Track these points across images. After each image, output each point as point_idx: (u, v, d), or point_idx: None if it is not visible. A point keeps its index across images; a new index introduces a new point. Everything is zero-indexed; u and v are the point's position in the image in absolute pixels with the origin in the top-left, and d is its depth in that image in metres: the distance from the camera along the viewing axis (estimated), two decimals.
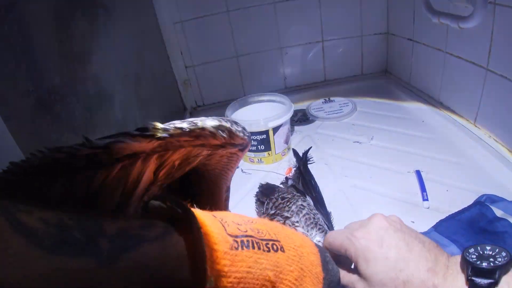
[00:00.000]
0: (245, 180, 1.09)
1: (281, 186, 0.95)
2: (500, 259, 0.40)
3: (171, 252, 0.27)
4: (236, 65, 1.55)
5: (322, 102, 1.48)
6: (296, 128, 1.35)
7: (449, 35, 1.16)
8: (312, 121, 1.38)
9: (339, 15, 1.52)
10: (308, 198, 0.83)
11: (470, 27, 0.97)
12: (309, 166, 1.00)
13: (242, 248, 0.31)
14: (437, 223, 0.81)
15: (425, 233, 0.82)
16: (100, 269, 0.22)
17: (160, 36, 1.40)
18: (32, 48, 0.59)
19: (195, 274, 0.27)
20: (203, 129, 0.37)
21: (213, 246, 0.29)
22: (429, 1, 1.14)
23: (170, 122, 0.35)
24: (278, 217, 0.68)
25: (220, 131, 0.39)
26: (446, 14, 1.07)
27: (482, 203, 0.82)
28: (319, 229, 0.63)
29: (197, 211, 0.30)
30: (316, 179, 0.92)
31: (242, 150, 0.45)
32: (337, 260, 0.48)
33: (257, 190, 0.93)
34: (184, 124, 0.35)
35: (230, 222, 0.33)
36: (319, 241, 0.60)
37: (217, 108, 1.55)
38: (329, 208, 0.83)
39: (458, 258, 0.44)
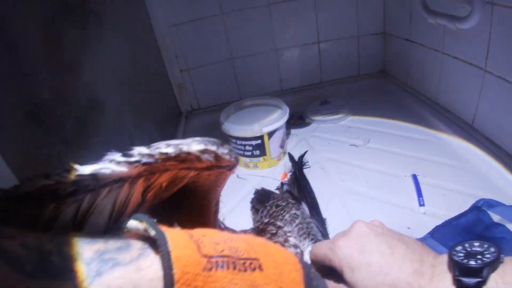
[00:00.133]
0: (241, 186, 1.09)
1: (277, 191, 0.94)
2: (488, 256, 0.39)
3: (144, 275, 0.28)
4: (232, 67, 1.54)
5: (319, 104, 1.47)
6: (292, 131, 1.34)
7: (446, 35, 1.15)
8: (308, 123, 1.37)
9: (335, 15, 1.51)
10: (303, 204, 0.82)
11: (468, 27, 0.96)
12: (304, 170, 0.99)
13: (217, 269, 0.31)
14: (433, 229, 0.80)
15: (421, 240, 0.81)
16: None
17: (154, 40, 1.39)
18: (22, 60, 0.58)
19: None
20: (188, 153, 0.37)
21: (184, 268, 0.29)
22: (425, 1, 1.13)
23: (155, 146, 0.36)
24: (271, 227, 0.67)
25: (206, 155, 0.39)
26: (443, 15, 1.06)
27: (479, 208, 0.81)
28: (312, 239, 0.62)
29: (172, 232, 0.30)
30: (311, 184, 0.91)
31: (230, 169, 0.44)
32: (327, 272, 0.48)
33: (253, 196, 0.92)
34: (169, 148, 0.36)
35: (208, 242, 0.32)
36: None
37: (213, 111, 1.53)
38: (324, 214, 0.82)
39: (445, 257, 0.42)
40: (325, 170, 1.09)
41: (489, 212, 0.79)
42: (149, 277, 0.28)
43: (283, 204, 0.76)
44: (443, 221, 0.81)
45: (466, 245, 0.42)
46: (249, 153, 1.11)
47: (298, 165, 1.00)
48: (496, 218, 0.78)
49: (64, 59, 0.71)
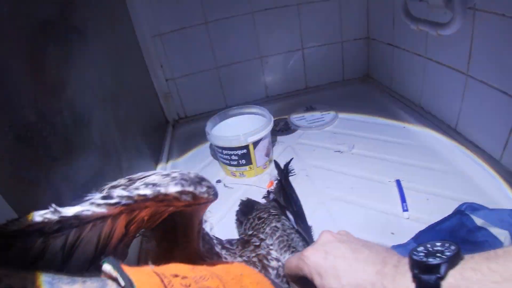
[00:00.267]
0: (228, 195, 1.09)
1: (262, 201, 0.95)
2: (448, 253, 0.40)
3: None
4: (217, 76, 1.54)
5: (304, 110, 1.47)
6: (278, 138, 1.34)
7: (429, 40, 1.16)
8: (294, 130, 1.38)
9: (318, 22, 1.52)
10: (288, 214, 0.82)
11: (449, 34, 0.97)
12: (290, 178, 1.00)
13: None
14: (416, 234, 0.81)
15: (404, 245, 0.82)
16: None
17: (139, 51, 1.39)
18: (6, 84, 0.58)
19: None
20: (166, 195, 0.38)
21: None
22: (407, 8, 1.14)
23: (134, 187, 0.38)
24: (255, 238, 0.68)
25: (183, 195, 0.39)
26: (425, 21, 1.06)
27: (462, 212, 0.82)
28: (292, 251, 0.63)
29: (141, 280, 0.31)
30: (297, 192, 0.91)
31: (211, 202, 0.46)
32: (303, 282, 0.52)
33: (238, 207, 0.92)
34: (147, 191, 0.37)
35: (177, 284, 0.33)
36: None
37: (200, 119, 1.54)
38: (310, 221, 0.83)
39: (408, 259, 0.44)
40: (310, 178, 1.10)
41: (472, 216, 0.80)
42: None
43: (265, 216, 0.76)
44: (427, 226, 0.82)
45: (428, 245, 0.43)
46: (235, 163, 1.11)
47: (283, 173, 1.00)
48: (479, 222, 0.78)
49: (47, 79, 0.70)
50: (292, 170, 1.09)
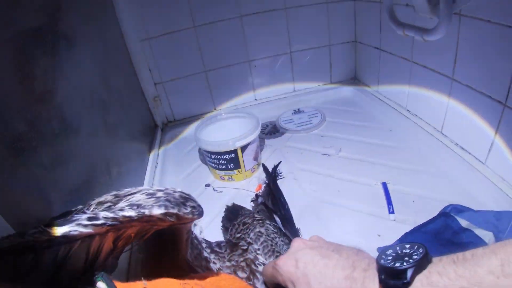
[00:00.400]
0: (217, 199, 1.09)
1: (251, 204, 0.95)
2: (415, 256, 0.40)
3: None
4: (205, 79, 1.55)
5: (292, 113, 1.49)
6: (266, 141, 1.35)
7: (415, 44, 1.17)
8: (282, 133, 1.39)
9: (306, 25, 1.53)
10: (276, 217, 0.83)
11: (434, 39, 0.98)
12: (278, 181, 1.00)
13: None
14: (402, 236, 0.82)
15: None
16: None
17: (127, 55, 1.39)
18: None
19: None
20: (150, 216, 0.39)
21: None
22: (393, 13, 1.15)
23: (119, 207, 0.39)
24: (243, 242, 0.68)
25: (167, 217, 0.40)
26: (411, 26, 1.07)
27: (447, 214, 0.83)
28: (277, 256, 0.64)
29: None
30: (285, 195, 0.92)
31: (196, 219, 0.47)
32: None
33: (223, 213, 0.93)
34: (131, 212, 0.39)
35: None
36: None
37: (188, 123, 1.54)
38: (298, 224, 0.83)
39: None
40: (298, 181, 1.10)
41: (457, 218, 0.81)
42: None
43: (249, 221, 0.77)
44: (412, 227, 0.83)
45: (397, 248, 0.43)
46: (224, 167, 1.12)
47: (271, 176, 1.01)
48: (464, 223, 0.80)
49: (36, 89, 0.70)
50: (280, 173, 1.10)
